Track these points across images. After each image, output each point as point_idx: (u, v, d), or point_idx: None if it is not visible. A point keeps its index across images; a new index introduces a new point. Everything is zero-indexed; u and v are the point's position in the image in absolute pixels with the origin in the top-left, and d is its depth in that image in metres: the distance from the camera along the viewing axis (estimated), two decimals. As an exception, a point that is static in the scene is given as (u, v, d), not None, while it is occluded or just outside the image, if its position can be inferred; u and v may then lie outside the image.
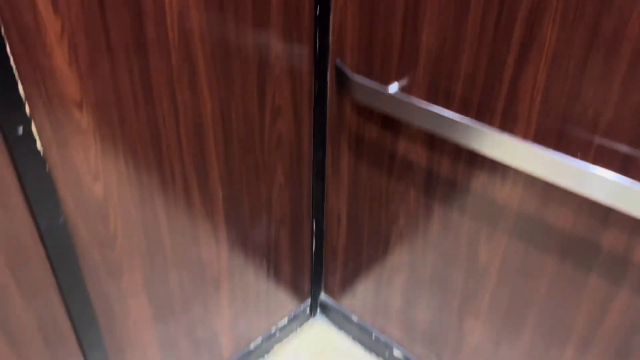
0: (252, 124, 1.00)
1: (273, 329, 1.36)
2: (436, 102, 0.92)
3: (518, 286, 0.97)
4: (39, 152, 0.70)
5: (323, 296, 1.45)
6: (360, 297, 1.34)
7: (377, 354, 1.36)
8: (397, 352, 1.30)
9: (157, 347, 1.08)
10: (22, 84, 0.67)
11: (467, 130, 0.84)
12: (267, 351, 1.37)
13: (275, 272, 1.26)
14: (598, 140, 0.76)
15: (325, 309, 1.46)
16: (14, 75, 0.65)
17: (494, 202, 0.93)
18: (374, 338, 1.34)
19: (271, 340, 1.36)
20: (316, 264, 1.36)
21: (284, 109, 1.04)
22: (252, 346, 1.31)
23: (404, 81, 0.95)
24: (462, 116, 0.85)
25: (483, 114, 0.87)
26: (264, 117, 1.01)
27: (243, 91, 0.95)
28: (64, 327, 0.89)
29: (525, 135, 0.84)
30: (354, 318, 1.38)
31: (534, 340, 1.01)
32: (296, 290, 1.37)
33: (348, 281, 1.34)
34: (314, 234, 1.30)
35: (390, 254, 1.19)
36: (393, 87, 0.95)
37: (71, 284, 0.85)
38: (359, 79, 0.97)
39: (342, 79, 1.00)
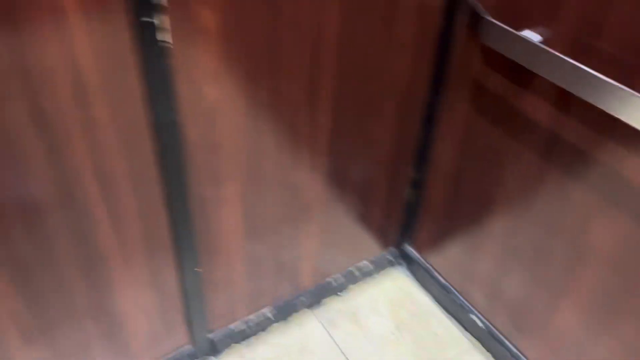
0: (370, 56, 0.96)
1: (354, 269, 1.36)
2: (576, 59, 0.83)
3: (630, 275, 0.88)
4: (168, 44, 0.72)
5: (408, 247, 1.42)
6: (448, 256, 1.29)
7: (457, 318, 1.33)
8: (477, 320, 1.26)
9: (243, 260, 1.11)
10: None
11: (610, 92, 0.75)
12: (344, 289, 1.38)
13: (365, 212, 1.25)
14: None
15: (408, 261, 1.43)
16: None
17: (622, 177, 0.84)
18: (455, 301, 1.30)
19: (350, 279, 1.37)
20: (408, 214, 1.33)
21: (406, 45, 0.99)
22: (330, 280, 1.33)
23: (541, 30, 0.87)
24: (605, 77, 0.76)
25: (631, 77, 0.77)
26: (384, 50, 0.97)
27: (367, 20, 0.91)
28: (161, 221, 0.94)
29: (677, 107, 0.73)
30: (438, 277, 1.35)
31: (633, 337, 0.92)
32: (383, 235, 1.35)
33: (438, 237, 1.30)
34: (413, 181, 1.26)
35: (489, 217, 1.12)
36: (528, 34, 0.87)
37: (174, 181, 0.89)
38: (493, 20, 0.89)
39: (473, 19, 0.93)
